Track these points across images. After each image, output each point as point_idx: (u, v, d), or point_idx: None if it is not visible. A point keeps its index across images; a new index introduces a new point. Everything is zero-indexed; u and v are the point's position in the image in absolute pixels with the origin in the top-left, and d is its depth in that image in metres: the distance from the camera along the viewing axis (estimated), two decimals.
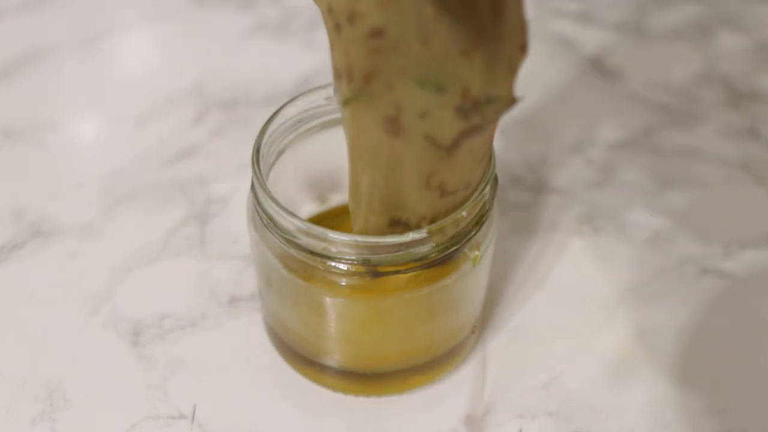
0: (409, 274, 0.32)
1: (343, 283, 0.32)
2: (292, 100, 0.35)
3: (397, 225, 0.31)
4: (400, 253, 0.31)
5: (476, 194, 0.32)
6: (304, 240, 0.31)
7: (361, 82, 0.27)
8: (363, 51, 0.26)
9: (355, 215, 0.32)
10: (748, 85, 0.54)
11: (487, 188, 0.32)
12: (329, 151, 0.38)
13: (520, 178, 0.47)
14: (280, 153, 0.36)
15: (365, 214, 0.31)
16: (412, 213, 0.30)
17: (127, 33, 0.57)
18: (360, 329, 0.35)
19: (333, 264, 0.31)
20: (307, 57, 0.55)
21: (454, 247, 0.32)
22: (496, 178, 0.33)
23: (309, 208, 0.40)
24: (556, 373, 0.38)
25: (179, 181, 0.46)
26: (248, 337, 0.39)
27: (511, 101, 0.27)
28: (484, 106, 0.27)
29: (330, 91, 0.36)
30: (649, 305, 0.41)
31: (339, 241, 0.31)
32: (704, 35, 0.58)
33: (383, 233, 0.31)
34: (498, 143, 0.49)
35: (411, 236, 0.31)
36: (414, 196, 0.30)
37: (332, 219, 0.41)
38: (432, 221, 0.31)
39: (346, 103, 0.28)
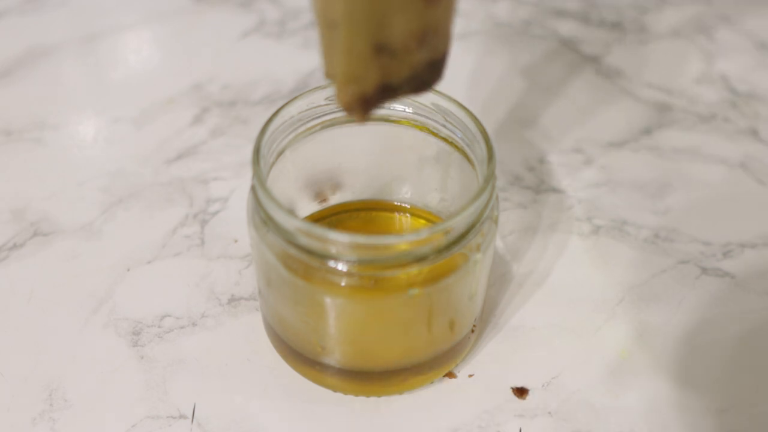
0: (409, 274, 0.32)
1: (343, 283, 0.32)
2: (292, 100, 0.35)
3: (383, 52, 0.28)
4: (400, 253, 0.31)
5: (477, 194, 0.32)
6: (304, 240, 0.31)
7: None
8: None
9: (331, 58, 0.29)
10: (748, 85, 0.54)
11: (488, 188, 0.32)
12: (329, 151, 0.38)
13: (520, 177, 0.47)
14: (280, 153, 0.36)
15: (346, 46, 0.28)
16: (397, 29, 0.28)
17: (127, 33, 0.57)
18: (360, 329, 0.35)
19: (333, 264, 0.31)
20: (306, 57, 0.55)
21: (454, 248, 0.32)
22: (495, 178, 0.33)
23: (309, 208, 0.40)
24: (556, 373, 0.38)
25: (179, 181, 0.46)
26: (248, 337, 0.39)
27: None
28: None
29: (330, 91, 0.36)
30: (648, 305, 0.41)
31: (339, 241, 0.31)
32: (704, 35, 0.58)
33: (368, 68, 0.29)
34: (498, 143, 0.49)
35: (411, 237, 0.31)
36: (396, 4, 0.28)
37: (332, 219, 0.41)
38: (420, 40, 0.28)
39: None
